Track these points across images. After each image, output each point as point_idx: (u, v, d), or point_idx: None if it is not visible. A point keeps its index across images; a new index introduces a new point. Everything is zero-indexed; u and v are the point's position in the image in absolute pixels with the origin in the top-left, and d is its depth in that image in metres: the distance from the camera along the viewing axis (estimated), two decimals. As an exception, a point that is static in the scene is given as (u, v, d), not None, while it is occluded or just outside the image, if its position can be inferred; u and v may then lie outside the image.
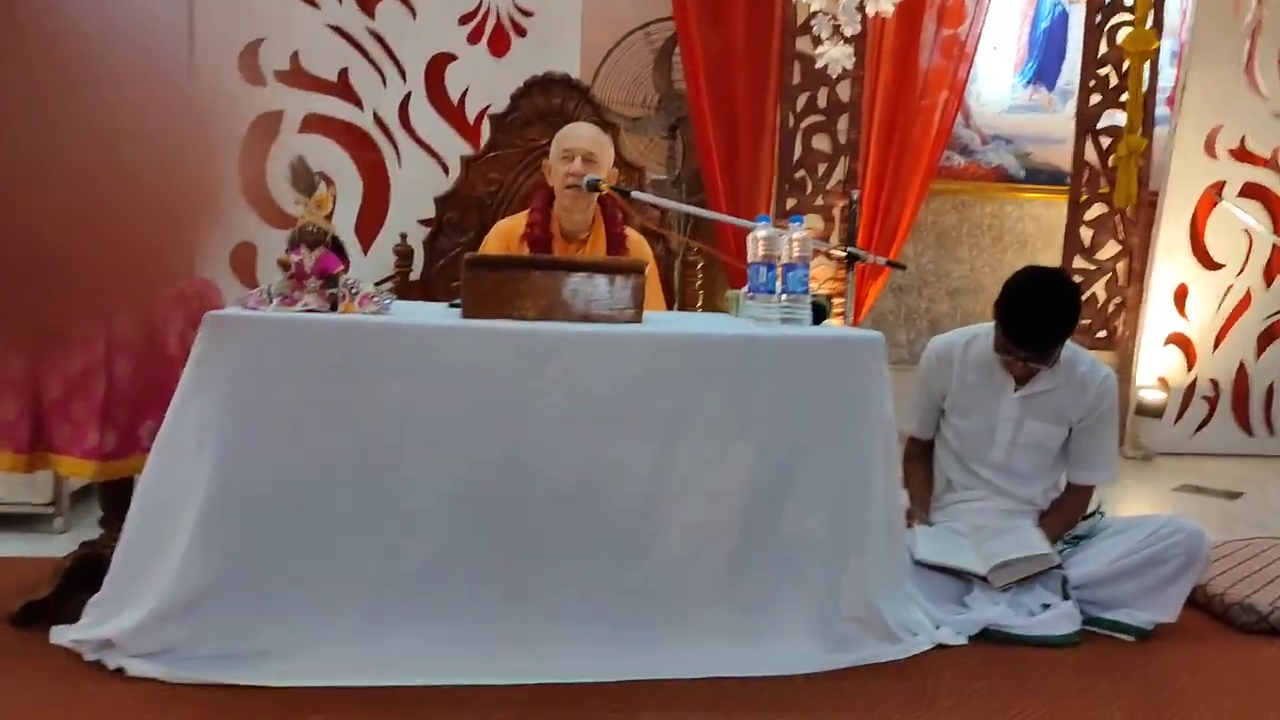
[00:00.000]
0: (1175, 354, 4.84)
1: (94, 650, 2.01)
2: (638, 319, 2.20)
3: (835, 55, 4.17)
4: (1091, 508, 2.65)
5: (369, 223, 3.89)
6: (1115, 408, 2.62)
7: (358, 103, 3.84)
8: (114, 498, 2.29)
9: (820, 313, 2.38)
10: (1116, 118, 4.70)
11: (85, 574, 2.22)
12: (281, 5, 3.74)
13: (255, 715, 1.86)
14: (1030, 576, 2.41)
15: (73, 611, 2.14)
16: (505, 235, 2.99)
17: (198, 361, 2.02)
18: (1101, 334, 4.80)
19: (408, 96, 3.86)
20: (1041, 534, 2.50)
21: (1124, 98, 4.64)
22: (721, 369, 2.14)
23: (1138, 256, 4.77)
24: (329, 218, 2.17)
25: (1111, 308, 4.81)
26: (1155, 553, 2.42)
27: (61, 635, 2.08)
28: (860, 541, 2.18)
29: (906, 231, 4.62)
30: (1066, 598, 2.40)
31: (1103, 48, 4.71)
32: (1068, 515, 2.61)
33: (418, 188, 3.84)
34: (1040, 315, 2.43)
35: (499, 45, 3.92)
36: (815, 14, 4.12)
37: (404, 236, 3.76)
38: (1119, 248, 4.79)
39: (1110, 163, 4.69)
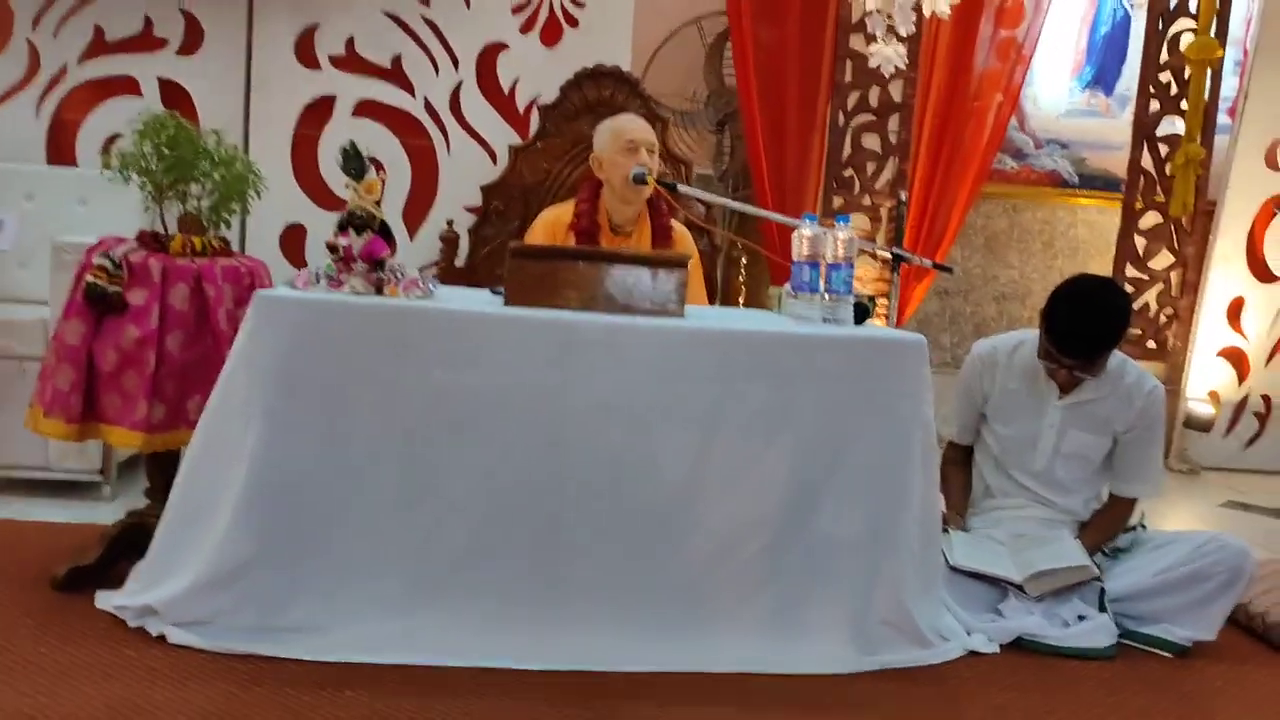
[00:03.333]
0: (1227, 367, 4.74)
1: (136, 616, 2.06)
2: (680, 312, 2.21)
3: (888, 54, 4.13)
4: (1134, 521, 2.61)
5: (417, 208, 3.92)
6: (1162, 420, 2.58)
7: (410, 89, 3.87)
8: (161, 469, 2.34)
9: (863, 313, 2.37)
10: (1175, 125, 4.61)
11: (131, 542, 2.27)
12: (340, -9, 3.78)
13: (290, 687, 1.89)
14: (1067, 587, 2.38)
15: (118, 577, 2.20)
16: (551, 224, 3.00)
17: (246, 338, 2.06)
18: (1152, 344, 4.71)
19: (459, 85, 3.89)
20: (1081, 545, 2.47)
21: (1184, 105, 4.55)
22: (762, 366, 2.14)
23: (1192, 267, 4.68)
24: (378, 203, 2.20)
25: (1163, 318, 4.73)
26: (1197, 569, 2.38)
27: (106, 600, 2.14)
28: (894, 544, 2.17)
29: (955, 234, 4.57)
30: (1104, 610, 2.37)
31: (1164, 54, 4.62)
32: (1109, 527, 2.57)
33: (466, 175, 3.87)
34: (1088, 324, 2.40)
35: (551, 35, 3.93)
36: (870, 12, 4.08)
37: (450, 223, 3.79)
38: (1173, 258, 4.71)
39: (1167, 171, 4.60)
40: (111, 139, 3.55)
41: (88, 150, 3.67)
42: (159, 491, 2.31)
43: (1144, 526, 2.62)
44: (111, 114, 3.64)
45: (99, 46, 3.71)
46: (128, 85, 3.73)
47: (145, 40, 3.74)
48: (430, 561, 2.08)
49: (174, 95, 3.74)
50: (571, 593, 2.10)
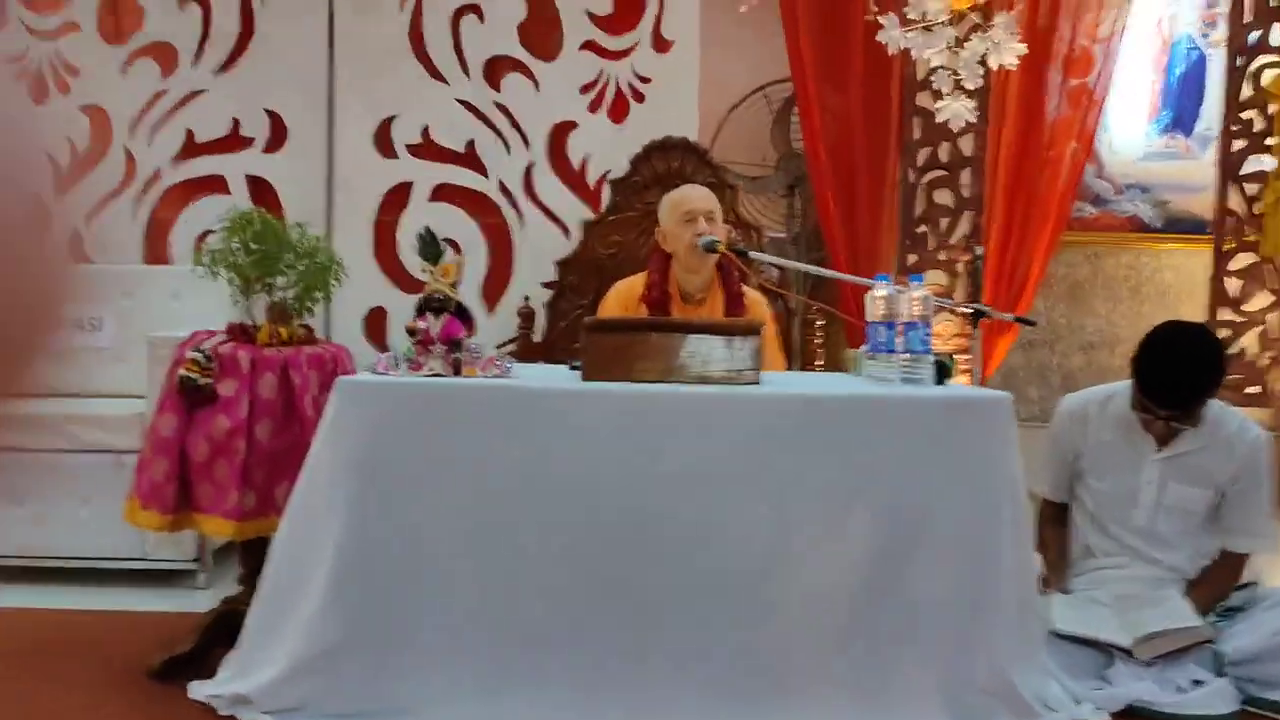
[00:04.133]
0: (1336, 410, 4.52)
1: (229, 705, 2.08)
2: (755, 380, 2.19)
3: (957, 109, 4.10)
4: (1247, 578, 2.48)
5: (494, 285, 3.99)
6: (1266, 471, 2.46)
7: (483, 171, 3.97)
8: (253, 556, 2.39)
9: (943, 371, 2.32)
10: (1263, 163, 4.47)
11: (225, 629, 2.31)
12: (415, 82, 3.92)
13: (379, 774, 1.89)
14: (1180, 650, 2.26)
15: (213, 666, 2.24)
16: (624, 296, 3.03)
17: (329, 425, 2.11)
18: (1254, 390, 4.52)
19: (531, 164, 3.98)
20: (1191, 604, 2.35)
21: (1270, 141, 4.42)
22: (840, 430, 2.11)
23: (1291, 308, 4.50)
24: (455, 285, 2.25)
25: (1264, 361, 4.54)
26: (1319, 627, 2.25)
27: (199, 690, 2.17)
28: (989, 610, 2.09)
29: (1036, 285, 4.48)
30: (1221, 674, 2.25)
31: (1246, 90, 4.51)
32: (1220, 585, 2.45)
33: (540, 251, 3.94)
34: (1182, 373, 2.31)
35: (618, 112, 4.00)
36: (936, 69, 4.08)
37: (527, 299, 3.84)
38: (1271, 298, 4.53)
39: (1257, 209, 4.46)
40: (203, 235, 3.70)
41: (181, 247, 3.84)
42: (251, 578, 2.35)
43: (1258, 583, 2.48)
44: (202, 212, 3.81)
45: (190, 148, 3.90)
46: (217, 184, 3.91)
47: (233, 140, 3.92)
48: (515, 641, 2.08)
49: (261, 190, 3.90)
50: (656, 669, 2.07)
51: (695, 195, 3.01)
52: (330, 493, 2.08)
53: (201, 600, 2.76)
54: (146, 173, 3.88)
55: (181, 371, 2.26)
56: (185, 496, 2.30)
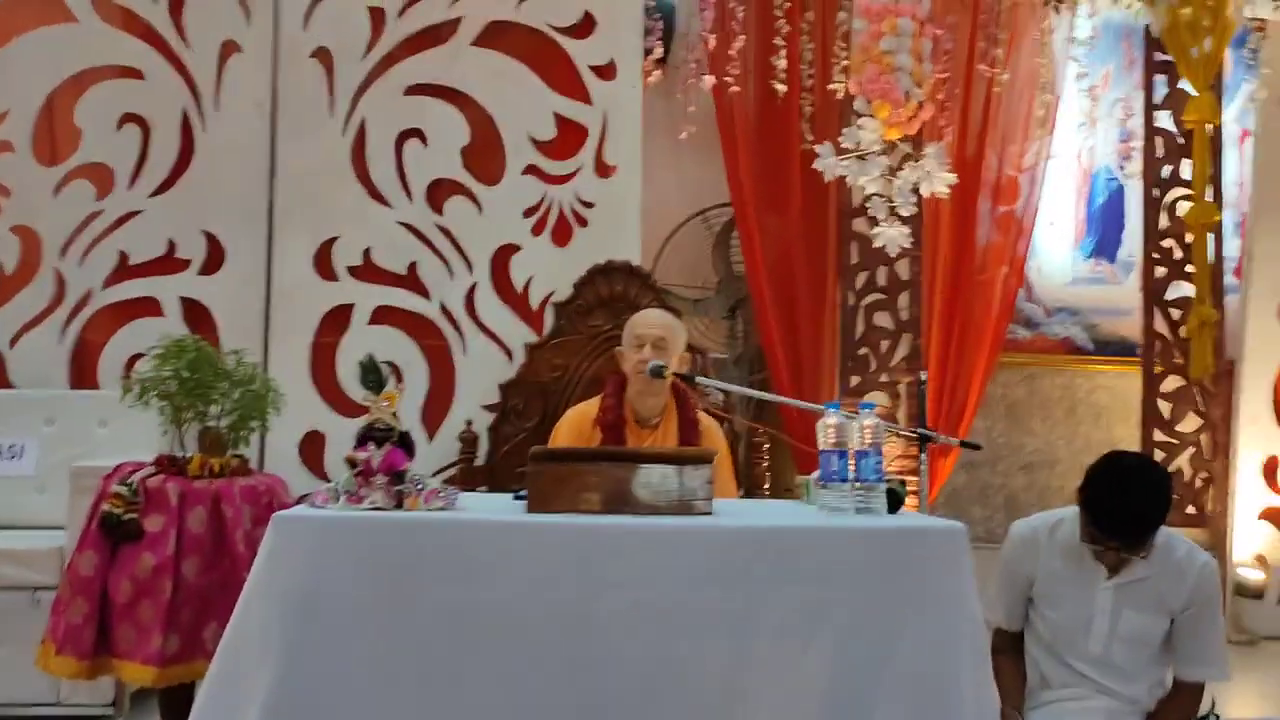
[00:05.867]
0: (1270, 530, 4.60)
1: None
2: (708, 510, 2.15)
3: (892, 235, 4.22)
4: (1204, 708, 2.45)
5: (435, 409, 3.92)
6: (1218, 597, 2.46)
7: (425, 293, 3.94)
8: (174, 703, 2.24)
9: (896, 500, 2.30)
10: (1184, 289, 4.65)
11: (141, 785, 2.15)
12: (356, 204, 3.91)
13: None
14: (1144, 786, 2.21)
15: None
16: (577, 423, 3.00)
17: (264, 562, 2.00)
18: (1190, 510, 4.59)
19: (474, 286, 3.96)
20: (1151, 738, 2.31)
21: (1190, 269, 4.60)
22: (796, 563, 2.06)
23: (1221, 429, 4.61)
24: (394, 414, 2.19)
25: (1199, 483, 4.62)
26: (1280, 760, 2.22)
27: None
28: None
29: (975, 406, 4.55)
30: (1185, 810, 2.19)
31: (1164, 221, 4.71)
32: (1179, 717, 2.41)
33: (483, 375, 3.89)
34: (1131, 506, 2.31)
35: (561, 235, 4.03)
36: (870, 196, 4.20)
37: (469, 423, 3.78)
38: (1200, 420, 4.64)
39: (1182, 334, 4.60)
40: (134, 359, 3.59)
41: (110, 372, 3.71)
42: (171, 728, 2.20)
43: (1217, 715, 2.45)
44: (134, 335, 3.70)
45: (123, 270, 3.82)
46: (150, 306, 3.82)
47: (168, 262, 3.85)
48: (458, 793, 1.95)
49: (195, 313, 3.82)
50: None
51: (645, 321, 3.03)
52: (264, 634, 1.96)
53: (116, 750, 2.57)
54: (77, 294, 3.78)
55: (105, 507, 2.16)
56: (104, 639, 2.17)
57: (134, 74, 3.85)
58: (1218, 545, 4.48)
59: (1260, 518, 4.59)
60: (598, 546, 2.04)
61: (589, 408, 3.02)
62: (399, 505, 2.10)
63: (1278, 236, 4.59)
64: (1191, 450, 4.62)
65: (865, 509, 2.21)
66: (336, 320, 3.91)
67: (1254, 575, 4.53)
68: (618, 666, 2.00)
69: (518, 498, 2.31)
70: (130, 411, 2.38)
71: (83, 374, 3.76)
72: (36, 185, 3.79)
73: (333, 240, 3.91)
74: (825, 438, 2.33)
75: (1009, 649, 2.59)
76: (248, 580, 2.03)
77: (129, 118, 3.83)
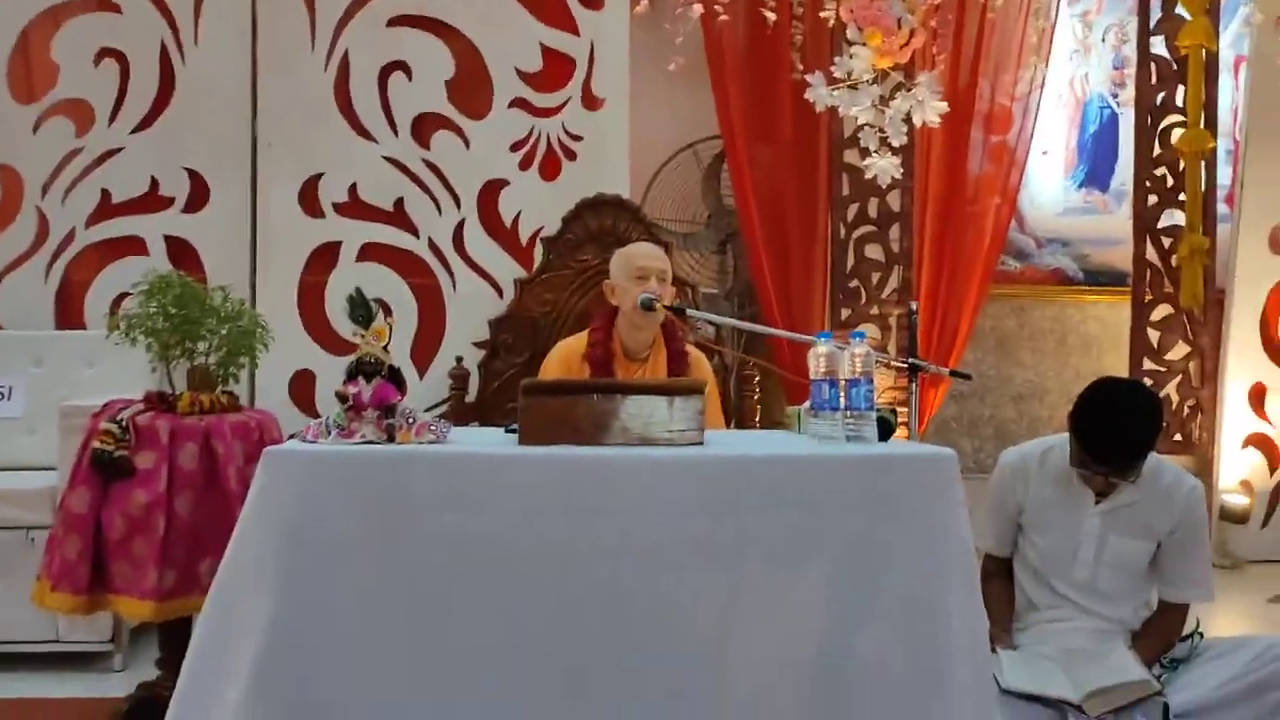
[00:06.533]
0: (1256, 455, 4.64)
1: (148, 801, 1.95)
2: (699, 440, 2.15)
3: (883, 166, 4.18)
4: (1189, 628, 2.49)
5: (425, 347, 3.92)
6: (1205, 521, 2.48)
7: (413, 230, 3.91)
8: (172, 637, 2.26)
9: (887, 428, 2.30)
10: (1176, 217, 4.63)
11: (142, 717, 2.17)
12: (342, 140, 3.86)
13: None
14: (1128, 704, 2.25)
15: (128, 759, 2.10)
16: (566, 357, 2.99)
17: (257, 496, 2.00)
18: (1177, 437, 4.62)
19: (462, 222, 3.93)
20: (1136, 657, 2.35)
21: (1182, 197, 4.58)
22: (789, 492, 2.06)
23: (1209, 357, 4.62)
24: (386, 348, 2.17)
25: (1186, 410, 4.65)
26: (1261, 678, 2.25)
27: (116, 784, 2.02)
28: (942, 674, 2.05)
29: (966, 338, 4.55)
30: (1169, 727, 2.24)
31: (1156, 149, 4.67)
32: (1163, 637, 2.45)
33: (472, 311, 3.88)
34: (1120, 430, 2.32)
35: (550, 170, 3.99)
36: (862, 126, 4.15)
37: (459, 360, 3.77)
38: (1189, 348, 4.66)
39: (1173, 263, 4.60)
40: (119, 299, 3.56)
41: (96, 312, 3.69)
42: (171, 661, 2.23)
43: (1200, 634, 2.49)
44: (119, 274, 3.67)
45: (106, 209, 3.77)
46: (135, 245, 3.78)
47: (151, 200, 3.80)
48: (454, 719, 1.98)
49: (181, 252, 3.78)
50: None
51: (648, 253, 3.02)
52: (259, 568, 1.97)
53: (118, 684, 2.60)
54: (60, 234, 3.74)
55: (95, 444, 2.15)
56: (100, 576, 2.18)
57: (111, 7, 3.76)
58: (1204, 471, 4.53)
59: (1246, 444, 4.63)
60: (589, 478, 2.04)
61: (577, 342, 3.01)
62: (390, 439, 2.09)
63: (1270, 163, 4.55)
64: (1179, 378, 4.65)
65: (856, 437, 2.21)
66: (323, 258, 3.88)
67: (1239, 500, 4.59)
68: (609, 597, 2.01)
69: (509, 431, 2.31)
70: (118, 351, 2.36)
71: (69, 314, 3.74)
72: (15, 123, 3.72)
73: (318, 176, 3.86)
74: (816, 367, 2.32)
75: (998, 574, 2.63)
76: (241, 515, 2.04)
77: (106, 52, 3.76)
